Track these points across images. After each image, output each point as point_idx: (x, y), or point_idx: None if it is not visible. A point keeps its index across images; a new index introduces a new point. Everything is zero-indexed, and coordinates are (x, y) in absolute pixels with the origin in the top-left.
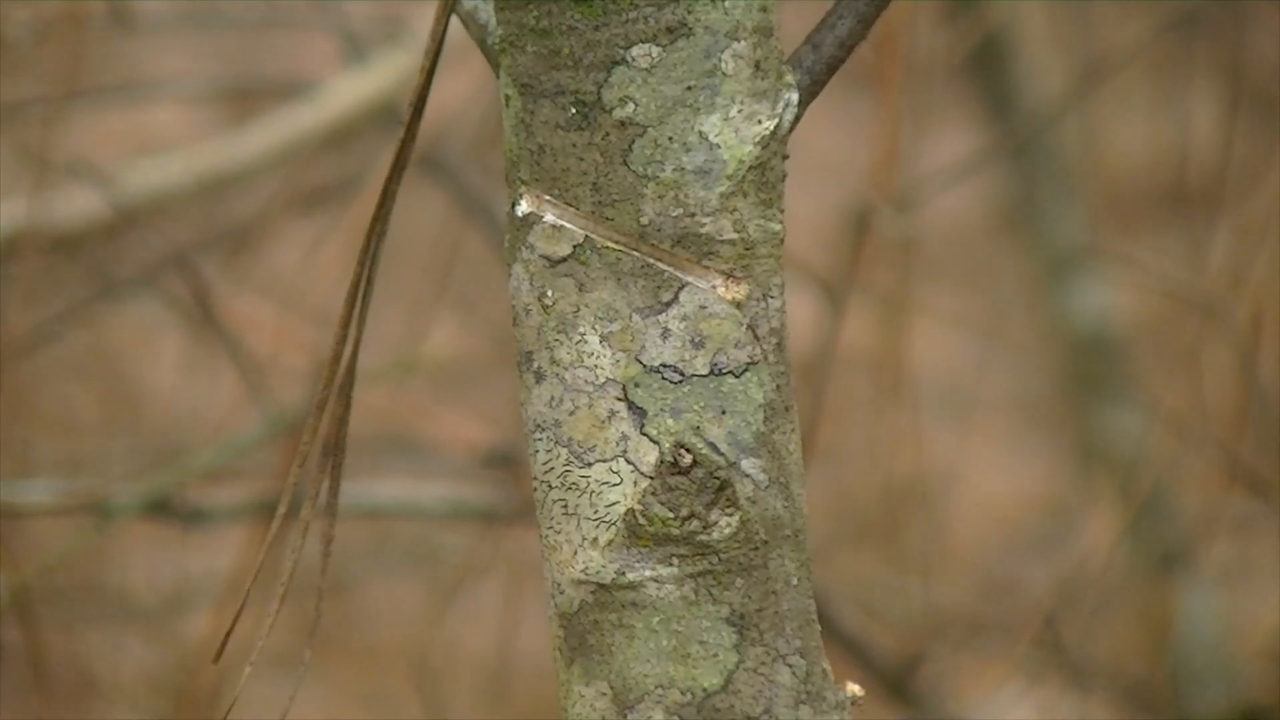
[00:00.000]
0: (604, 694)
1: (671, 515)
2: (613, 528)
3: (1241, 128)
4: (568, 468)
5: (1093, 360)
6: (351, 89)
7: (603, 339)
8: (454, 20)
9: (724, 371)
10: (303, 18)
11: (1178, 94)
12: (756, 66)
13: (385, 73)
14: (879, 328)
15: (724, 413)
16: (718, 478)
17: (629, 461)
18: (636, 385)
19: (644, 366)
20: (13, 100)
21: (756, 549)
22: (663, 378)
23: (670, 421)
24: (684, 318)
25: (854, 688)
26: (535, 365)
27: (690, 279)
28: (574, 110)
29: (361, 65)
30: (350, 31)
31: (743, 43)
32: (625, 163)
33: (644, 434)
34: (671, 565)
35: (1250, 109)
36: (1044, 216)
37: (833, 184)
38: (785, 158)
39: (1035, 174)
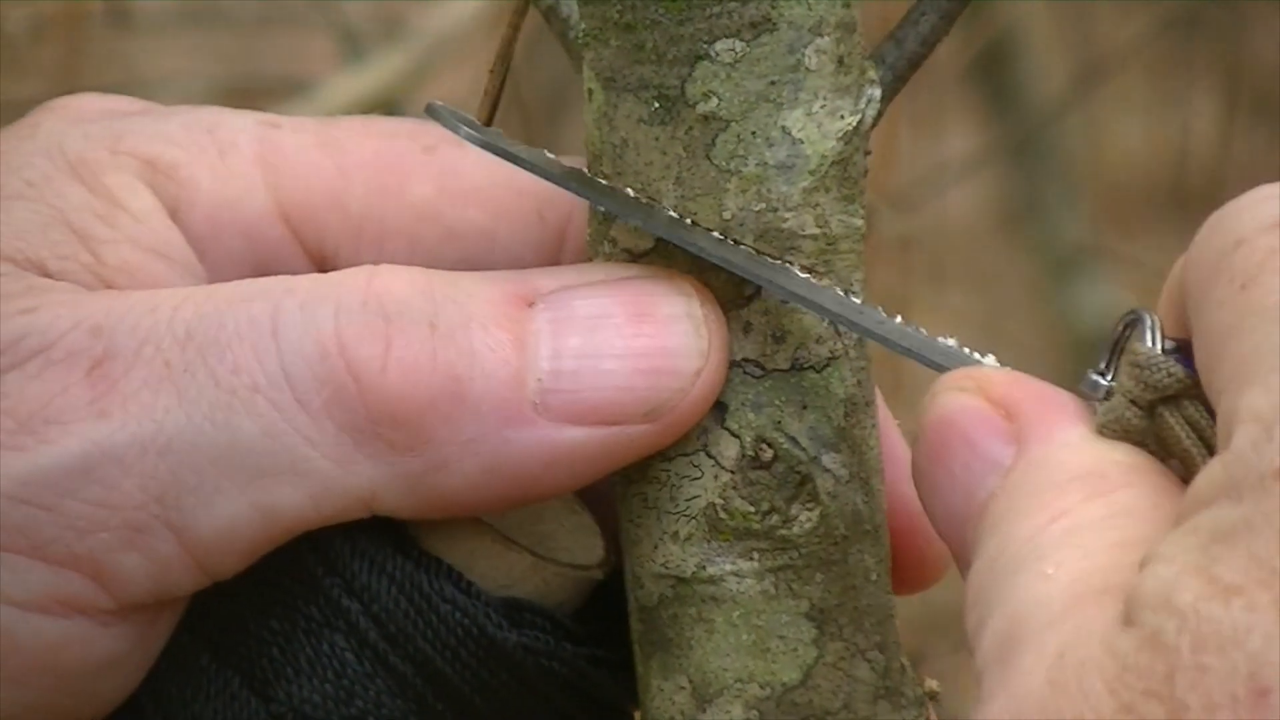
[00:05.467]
0: (683, 688)
1: (752, 509)
2: (693, 521)
3: (1242, 128)
4: (648, 461)
5: (1094, 360)
6: (350, 88)
7: None
8: (455, 14)
9: (805, 366)
10: (301, 17)
11: (1179, 94)
12: (840, 62)
13: (384, 72)
14: None
15: (805, 408)
16: (798, 472)
17: (710, 455)
18: None
19: None
20: (12, 100)
21: (836, 544)
22: (744, 372)
23: (751, 416)
24: (765, 312)
25: (931, 683)
26: None
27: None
28: (657, 104)
29: (360, 64)
30: (349, 30)
31: (826, 38)
32: (708, 157)
33: (725, 428)
34: (751, 559)
35: (1251, 109)
36: (1046, 216)
37: None
38: (868, 153)
39: (1037, 174)
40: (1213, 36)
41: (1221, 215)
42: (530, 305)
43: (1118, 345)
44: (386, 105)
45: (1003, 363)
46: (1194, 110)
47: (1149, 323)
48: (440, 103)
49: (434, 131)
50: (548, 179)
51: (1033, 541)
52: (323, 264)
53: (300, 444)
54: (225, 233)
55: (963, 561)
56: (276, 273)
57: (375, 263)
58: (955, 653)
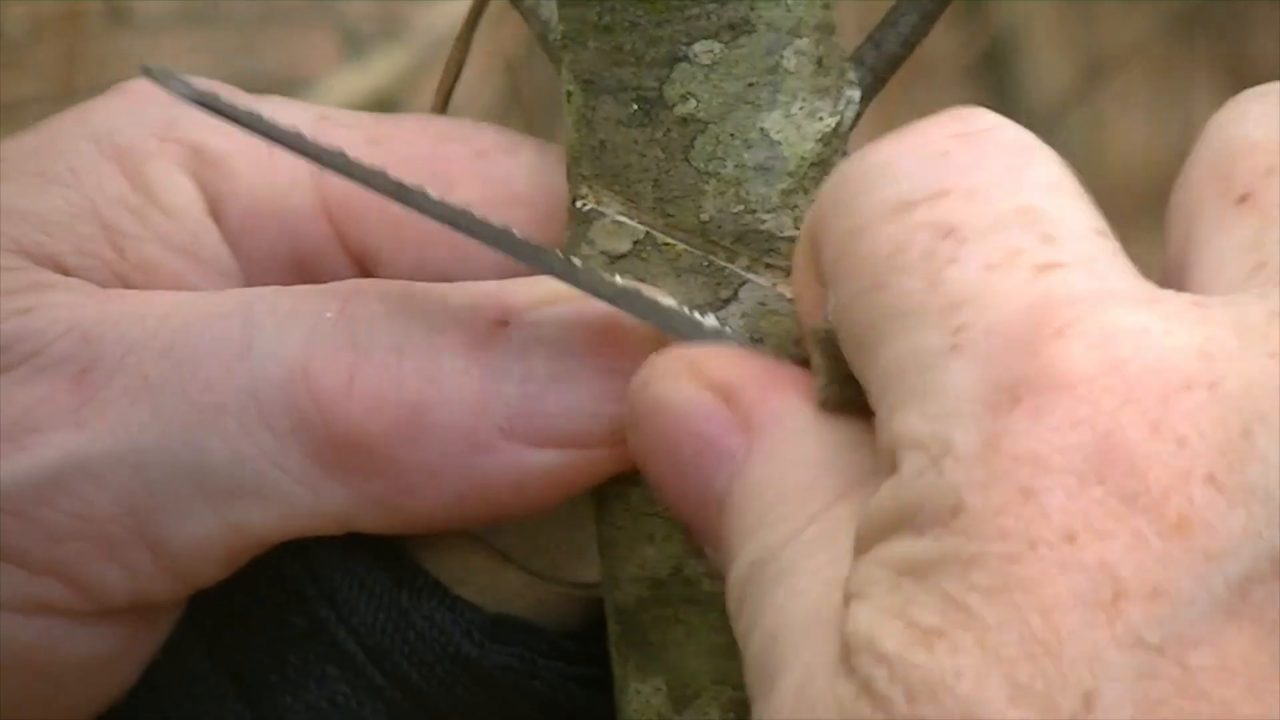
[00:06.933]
0: (659, 690)
1: None
2: (669, 522)
3: None
4: None
5: None
6: (350, 87)
7: None
8: (455, 13)
9: None
10: (301, 15)
11: (1181, 94)
12: (818, 63)
13: (384, 70)
14: None
15: None
16: None
17: None
18: None
19: None
20: (11, 100)
21: None
22: None
23: None
24: (743, 314)
25: None
26: None
27: (750, 276)
28: (636, 106)
29: (360, 63)
30: (349, 29)
31: (805, 39)
32: (686, 159)
33: None
34: None
35: None
36: None
37: None
38: (846, 155)
39: None
40: (1215, 36)
41: (841, 193)
42: (505, 325)
43: None
44: (387, 104)
45: None
46: (1196, 110)
47: None
48: (157, 65)
49: (488, 136)
50: (275, 141)
51: (787, 549)
52: (364, 263)
53: (269, 468)
54: (265, 227)
55: (705, 540)
56: (315, 269)
57: (416, 265)
58: None
